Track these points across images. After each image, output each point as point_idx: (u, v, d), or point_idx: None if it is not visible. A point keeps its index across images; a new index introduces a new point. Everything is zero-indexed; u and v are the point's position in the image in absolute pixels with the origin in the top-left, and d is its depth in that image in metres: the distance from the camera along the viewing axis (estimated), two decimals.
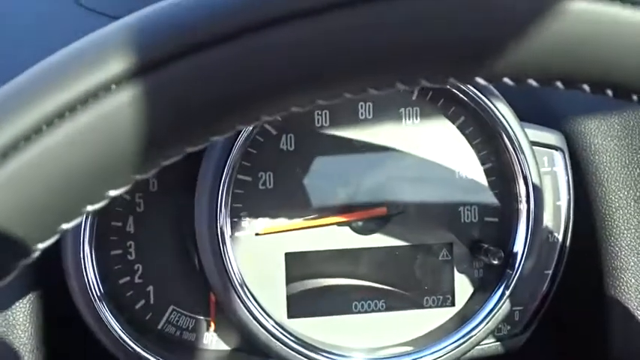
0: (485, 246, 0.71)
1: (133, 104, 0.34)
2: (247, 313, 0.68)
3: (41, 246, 0.35)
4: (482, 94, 0.70)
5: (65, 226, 0.35)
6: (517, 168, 0.70)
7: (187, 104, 0.35)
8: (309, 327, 0.71)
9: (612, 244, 0.74)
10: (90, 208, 0.36)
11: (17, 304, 0.70)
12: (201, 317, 0.73)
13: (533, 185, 0.70)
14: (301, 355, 0.68)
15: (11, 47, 0.78)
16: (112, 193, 0.36)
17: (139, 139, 0.35)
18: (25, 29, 0.81)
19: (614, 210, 0.74)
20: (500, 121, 0.70)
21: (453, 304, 0.73)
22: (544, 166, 0.74)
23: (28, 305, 0.70)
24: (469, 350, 0.71)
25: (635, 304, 0.75)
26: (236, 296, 0.68)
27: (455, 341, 0.70)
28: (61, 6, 0.84)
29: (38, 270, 0.69)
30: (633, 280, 0.75)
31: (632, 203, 0.74)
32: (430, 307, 0.73)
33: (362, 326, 0.72)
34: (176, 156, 0.36)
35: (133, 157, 0.35)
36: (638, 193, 0.75)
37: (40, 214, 0.35)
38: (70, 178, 0.35)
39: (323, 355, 0.69)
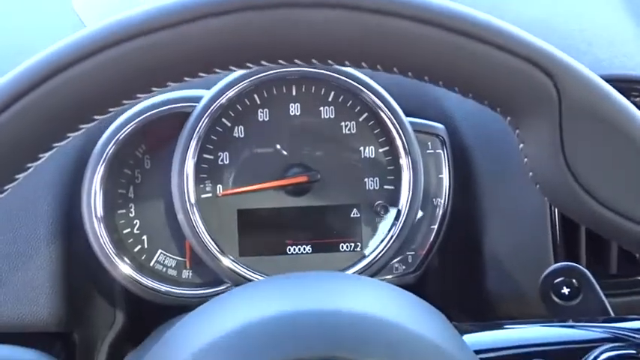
0: (381, 204, 0.99)
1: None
2: (209, 253, 0.97)
3: None
4: (377, 97, 0.98)
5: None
6: (399, 141, 0.97)
7: None
8: (255, 263, 0.99)
9: (483, 206, 1.01)
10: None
11: (45, 268, 0.98)
12: (181, 259, 1.02)
13: (412, 157, 0.97)
14: (244, 278, 0.97)
15: None
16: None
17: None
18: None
19: (484, 182, 1.01)
20: (389, 115, 0.97)
21: (362, 249, 1.00)
22: (429, 149, 1.01)
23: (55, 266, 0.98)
24: None
25: (505, 252, 1.00)
26: (201, 241, 0.97)
27: (355, 273, 0.98)
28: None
29: (64, 238, 0.99)
30: (501, 234, 1.01)
31: (497, 176, 1.01)
32: (345, 251, 1.00)
33: (294, 264, 1.00)
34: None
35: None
36: (503, 169, 1.01)
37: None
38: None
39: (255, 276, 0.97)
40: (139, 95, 0.57)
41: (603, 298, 0.72)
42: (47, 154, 0.57)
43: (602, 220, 0.61)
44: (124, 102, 0.57)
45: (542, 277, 0.74)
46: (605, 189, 0.60)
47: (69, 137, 0.57)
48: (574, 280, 0.72)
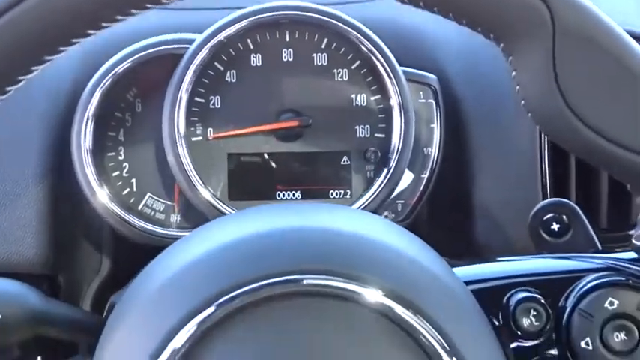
0: (373, 150, 0.99)
1: None
2: (199, 195, 0.97)
3: None
4: (371, 44, 0.97)
5: None
6: (391, 88, 0.97)
7: None
8: (244, 207, 0.98)
9: (473, 156, 1.01)
10: None
11: (32, 207, 0.98)
12: (170, 203, 1.01)
13: (404, 105, 0.97)
14: None
15: None
16: None
17: None
18: None
19: (475, 132, 1.01)
20: (382, 62, 0.97)
21: (351, 196, 1.00)
22: (421, 98, 1.01)
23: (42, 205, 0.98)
24: None
25: (494, 201, 1.01)
26: (190, 182, 0.96)
27: None
28: None
29: (53, 179, 0.98)
30: (491, 184, 1.01)
31: (488, 128, 1.01)
32: (334, 198, 1.00)
33: None
34: None
35: None
36: (494, 120, 1.01)
37: None
38: None
39: None
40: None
41: (593, 234, 0.72)
42: (54, 57, 0.57)
43: (593, 148, 0.61)
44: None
45: (532, 214, 0.73)
46: (597, 115, 0.60)
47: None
48: (564, 217, 0.72)
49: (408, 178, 1.00)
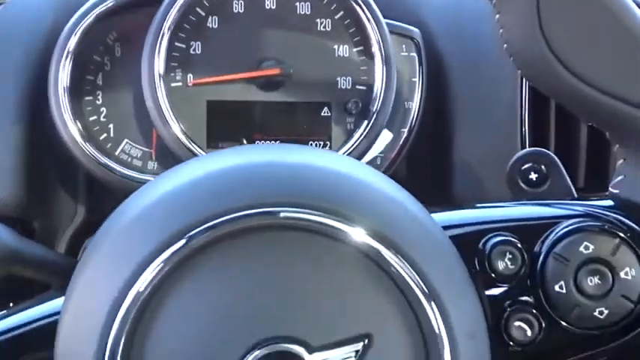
0: (354, 100, 0.98)
1: None
2: (177, 140, 0.96)
3: None
4: None
5: None
6: (374, 39, 0.96)
7: None
8: None
9: (454, 111, 1.00)
10: None
11: (7, 148, 0.97)
12: (147, 149, 1.00)
13: (386, 57, 0.96)
14: None
15: None
16: None
17: None
18: None
19: (457, 87, 1.01)
20: (366, 13, 0.96)
21: (330, 147, 0.99)
22: (403, 52, 1.00)
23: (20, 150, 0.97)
24: None
25: (473, 156, 1.00)
26: (169, 127, 0.95)
27: None
28: None
29: (30, 123, 0.97)
30: (470, 140, 1.00)
31: (470, 83, 1.00)
32: None
33: None
34: None
35: None
36: (477, 77, 1.00)
37: None
38: None
39: None
40: None
41: (570, 183, 0.72)
42: None
43: (575, 93, 0.60)
44: None
45: (511, 163, 0.73)
46: (580, 61, 0.59)
47: None
48: (542, 167, 0.72)
49: (388, 134, 1.00)
